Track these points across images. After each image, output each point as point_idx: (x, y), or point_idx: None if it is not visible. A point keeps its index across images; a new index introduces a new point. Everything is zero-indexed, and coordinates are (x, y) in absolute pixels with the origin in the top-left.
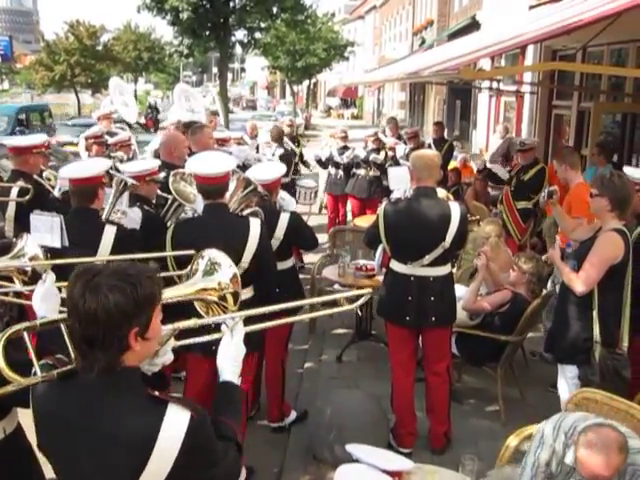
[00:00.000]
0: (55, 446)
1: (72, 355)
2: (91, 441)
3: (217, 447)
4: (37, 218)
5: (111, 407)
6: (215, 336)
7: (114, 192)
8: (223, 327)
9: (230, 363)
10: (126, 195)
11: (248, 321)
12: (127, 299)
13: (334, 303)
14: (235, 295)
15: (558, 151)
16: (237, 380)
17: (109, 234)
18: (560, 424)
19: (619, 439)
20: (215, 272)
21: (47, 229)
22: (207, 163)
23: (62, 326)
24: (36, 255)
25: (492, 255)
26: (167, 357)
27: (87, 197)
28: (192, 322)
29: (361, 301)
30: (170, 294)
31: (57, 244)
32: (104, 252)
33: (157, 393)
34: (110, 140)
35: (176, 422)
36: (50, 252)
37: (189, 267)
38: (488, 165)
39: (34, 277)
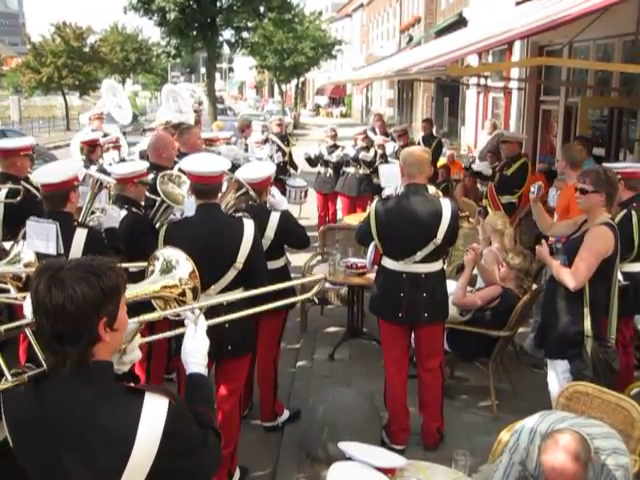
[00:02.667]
0: (36, 452)
1: (41, 359)
2: (72, 440)
3: (197, 433)
4: (33, 225)
5: (87, 402)
6: (178, 331)
7: (90, 192)
8: (186, 321)
9: (195, 356)
10: (104, 193)
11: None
12: (94, 289)
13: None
14: (194, 290)
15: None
16: (204, 371)
17: (79, 238)
18: (539, 425)
19: (575, 448)
20: (173, 269)
21: (43, 236)
22: (202, 162)
23: (27, 330)
24: (31, 261)
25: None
26: (135, 354)
27: (59, 202)
28: (157, 315)
29: (315, 289)
30: (134, 292)
31: (52, 251)
32: (75, 256)
33: (132, 384)
34: (100, 140)
35: (155, 410)
36: (45, 259)
37: (146, 270)
38: (473, 166)
39: (28, 283)
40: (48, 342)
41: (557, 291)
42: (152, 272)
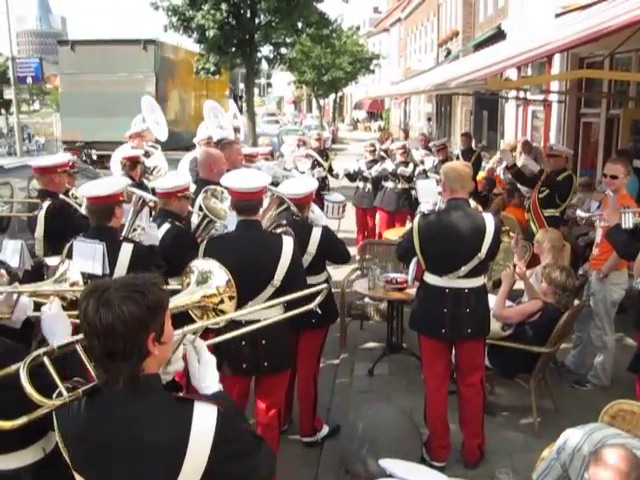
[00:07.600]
0: (90, 464)
1: (93, 374)
2: (125, 452)
3: (248, 437)
4: (79, 245)
5: (140, 414)
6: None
7: (133, 209)
8: (184, 348)
9: (206, 379)
10: (146, 211)
11: None
12: (140, 307)
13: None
14: (232, 298)
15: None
16: (219, 387)
17: (125, 252)
18: (586, 438)
19: (628, 464)
20: (209, 279)
21: (89, 256)
22: (243, 178)
23: (78, 347)
24: (77, 281)
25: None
26: (179, 364)
27: (104, 216)
28: (199, 325)
29: (318, 299)
30: (174, 303)
31: (98, 271)
32: (121, 270)
33: (181, 394)
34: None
35: (205, 417)
36: (90, 279)
37: (182, 283)
38: (518, 162)
39: (73, 303)
40: (100, 360)
41: None
42: (188, 284)
